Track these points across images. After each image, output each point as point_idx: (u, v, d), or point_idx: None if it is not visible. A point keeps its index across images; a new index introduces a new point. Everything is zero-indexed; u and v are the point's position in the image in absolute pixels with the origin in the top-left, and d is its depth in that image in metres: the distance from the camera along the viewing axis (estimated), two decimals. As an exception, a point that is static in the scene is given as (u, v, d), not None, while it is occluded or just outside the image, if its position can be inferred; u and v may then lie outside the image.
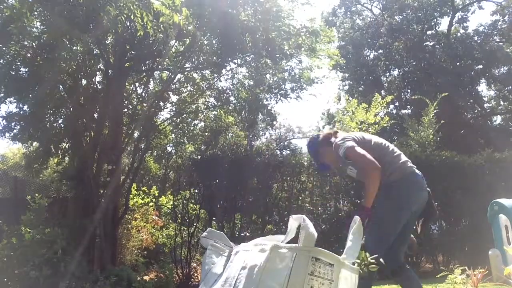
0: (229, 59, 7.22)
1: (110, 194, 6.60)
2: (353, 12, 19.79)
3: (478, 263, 4.81)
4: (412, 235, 2.73)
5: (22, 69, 6.53)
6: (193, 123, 9.82)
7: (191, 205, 7.94)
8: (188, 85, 8.65)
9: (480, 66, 17.20)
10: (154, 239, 8.14)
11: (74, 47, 5.92)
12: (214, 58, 6.97)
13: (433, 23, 18.23)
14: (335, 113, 15.49)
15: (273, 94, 8.63)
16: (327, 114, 18.88)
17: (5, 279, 4.79)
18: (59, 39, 5.43)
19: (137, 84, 8.45)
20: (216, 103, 9.05)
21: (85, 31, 5.53)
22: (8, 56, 6.06)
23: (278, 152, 18.26)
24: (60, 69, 6.15)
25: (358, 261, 2.16)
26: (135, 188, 7.94)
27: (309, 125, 41.01)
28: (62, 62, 5.86)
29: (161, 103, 8.32)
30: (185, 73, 8.27)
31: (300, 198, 8.02)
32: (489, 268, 4.83)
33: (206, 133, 10.66)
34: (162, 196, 8.60)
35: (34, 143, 7.97)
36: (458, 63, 16.91)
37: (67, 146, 7.75)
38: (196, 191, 8.24)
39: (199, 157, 8.88)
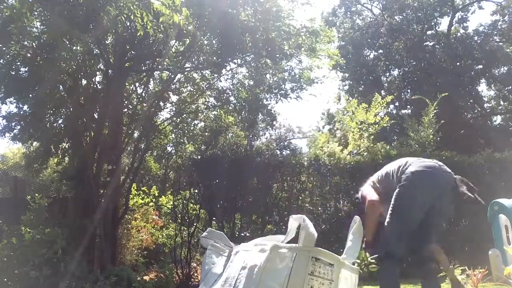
0: (229, 59, 7.22)
1: (110, 194, 6.59)
2: (353, 12, 19.79)
3: (478, 263, 4.81)
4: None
5: (22, 69, 6.53)
6: (193, 123, 9.82)
7: (191, 205, 7.93)
8: (188, 85, 8.65)
9: (480, 66, 17.20)
10: (154, 239, 8.14)
11: (74, 47, 5.92)
12: (214, 58, 6.97)
13: (433, 23, 18.23)
14: (335, 113, 15.51)
15: (273, 94, 8.63)
16: (327, 114, 18.89)
17: (5, 279, 4.79)
18: (59, 39, 5.43)
19: (137, 84, 8.45)
20: (216, 103, 9.05)
21: (85, 31, 5.53)
22: (8, 56, 6.06)
23: (278, 152, 18.32)
24: (60, 69, 6.14)
25: (358, 261, 2.17)
26: (135, 188, 7.94)
27: (309, 125, 41.08)
28: (62, 62, 5.85)
29: (161, 103, 8.32)
30: (185, 73, 8.27)
31: (300, 198, 8.02)
32: (489, 268, 4.83)
33: (206, 133, 10.65)
34: (162, 196, 8.60)
35: (34, 143, 7.97)
36: (458, 63, 16.90)
37: (67, 146, 7.74)
38: (196, 191, 8.24)
39: (199, 157, 8.87)
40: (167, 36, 5.16)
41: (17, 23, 5.05)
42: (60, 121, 7.77)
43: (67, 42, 5.61)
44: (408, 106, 17.94)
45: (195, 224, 7.82)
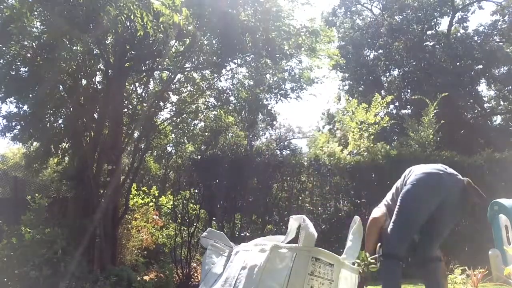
0: (229, 59, 7.22)
1: (110, 194, 6.59)
2: (353, 12, 19.79)
3: (478, 263, 4.81)
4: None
5: (22, 69, 6.53)
6: (193, 123, 9.82)
7: (191, 205, 7.93)
8: (188, 85, 8.65)
9: (480, 66, 17.20)
10: (154, 239, 8.14)
11: (74, 47, 5.91)
12: (214, 58, 6.97)
13: (433, 23, 18.23)
14: (335, 113, 15.51)
15: (273, 94, 8.62)
16: (327, 114, 18.89)
17: (5, 279, 4.79)
18: (59, 39, 5.42)
19: (137, 84, 8.45)
20: (216, 103, 9.05)
21: (85, 31, 5.52)
22: (8, 56, 6.06)
23: (278, 152, 18.31)
24: (60, 69, 6.14)
25: (358, 261, 2.16)
26: (135, 188, 7.94)
27: (309, 125, 41.08)
28: (62, 62, 5.85)
29: (161, 103, 8.32)
30: (185, 73, 8.27)
31: (300, 198, 8.02)
32: (489, 268, 4.83)
33: (206, 133, 10.65)
34: (162, 196, 8.60)
35: (34, 143, 7.97)
36: (458, 63, 16.90)
37: (67, 146, 7.75)
38: (196, 191, 8.24)
39: (199, 157, 8.87)
40: (167, 36, 5.16)
41: (17, 23, 5.04)
42: (60, 121, 7.77)
43: (67, 42, 5.61)
44: (408, 106, 17.94)
45: (195, 224, 7.82)
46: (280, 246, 1.94)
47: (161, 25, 4.19)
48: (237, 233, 7.81)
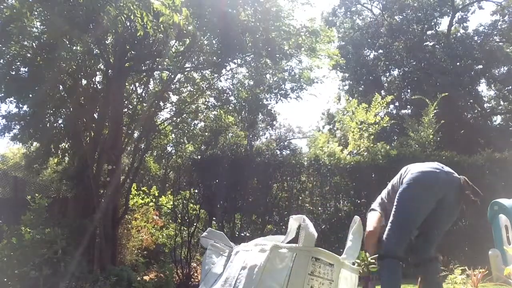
0: (229, 59, 7.21)
1: (110, 194, 6.59)
2: (353, 12, 19.80)
3: (478, 263, 4.81)
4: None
5: (22, 69, 6.54)
6: (193, 123, 9.83)
7: (191, 205, 7.93)
8: (188, 85, 8.65)
9: (480, 66, 17.21)
10: (154, 239, 8.13)
11: (74, 47, 5.92)
12: (214, 58, 6.97)
13: (433, 23, 18.23)
14: (335, 113, 15.51)
15: (273, 94, 8.63)
16: (327, 114, 18.91)
17: (5, 279, 4.79)
18: (59, 39, 5.42)
19: (137, 84, 8.45)
20: (216, 103, 9.06)
21: (85, 31, 5.52)
22: (8, 56, 6.06)
23: (278, 152, 18.31)
24: (60, 69, 6.15)
25: (358, 261, 2.16)
26: (135, 188, 7.94)
27: (309, 125, 41.11)
28: (62, 62, 5.85)
29: (161, 103, 8.32)
30: (185, 73, 8.27)
31: (300, 198, 8.02)
32: (489, 268, 4.83)
33: (206, 133, 10.66)
34: (162, 196, 8.60)
35: (34, 143, 7.97)
36: (458, 63, 16.91)
37: (67, 146, 7.75)
38: (196, 191, 8.24)
39: (199, 157, 8.87)
40: (167, 36, 5.16)
41: (17, 23, 5.05)
42: (60, 121, 7.79)
43: (67, 42, 5.61)
44: (408, 106, 17.95)
45: (195, 224, 7.81)
46: (280, 246, 1.94)
47: (161, 25, 4.19)
48: (237, 233, 7.81)
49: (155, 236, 8.18)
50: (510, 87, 17.40)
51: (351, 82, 18.69)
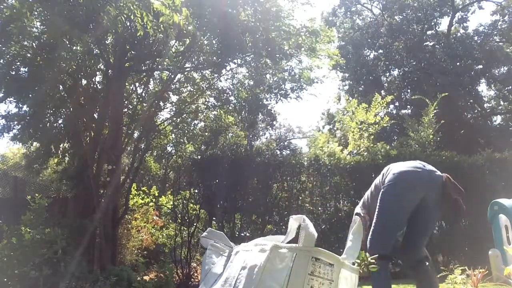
0: (229, 59, 7.22)
1: (110, 194, 6.59)
2: (353, 12, 19.80)
3: (478, 263, 4.81)
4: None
5: (22, 69, 6.54)
6: (193, 123, 9.83)
7: (191, 205, 7.93)
8: (188, 85, 8.65)
9: (480, 66, 17.21)
10: (154, 239, 8.13)
11: (74, 47, 5.92)
12: (214, 58, 6.97)
13: (433, 23, 18.24)
14: (335, 113, 15.52)
15: (273, 94, 8.63)
16: (327, 114, 18.91)
17: (5, 279, 4.79)
18: (59, 39, 5.42)
19: (137, 84, 8.45)
20: (216, 103, 9.06)
21: (85, 31, 5.52)
22: (8, 56, 6.06)
23: (278, 152, 18.32)
24: (60, 69, 6.15)
25: (358, 261, 2.16)
26: (135, 188, 7.94)
27: (309, 125, 41.12)
28: (62, 62, 5.86)
29: (161, 103, 8.32)
30: (185, 73, 8.27)
31: (300, 198, 8.02)
32: (489, 268, 4.83)
33: (206, 133, 10.66)
34: (162, 196, 8.60)
35: (34, 143, 7.97)
36: (458, 63, 16.91)
37: (67, 146, 7.75)
38: (196, 191, 8.23)
39: (199, 157, 8.86)
40: (167, 36, 5.16)
41: (17, 23, 5.05)
42: (60, 121, 7.79)
43: (67, 42, 5.61)
44: (408, 106, 17.95)
45: (195, 224, 7.81)
46: (280, 246, 1.94)
47: (161, 25, 4.19)
48: (237, 233, 7.81)
49: (155, 236, 8.18)
50: (510, 87, 17.40)
51: (351, 82, 18.69)
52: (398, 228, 2.60)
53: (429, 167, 2.66)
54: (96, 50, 6.92)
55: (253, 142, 17.70)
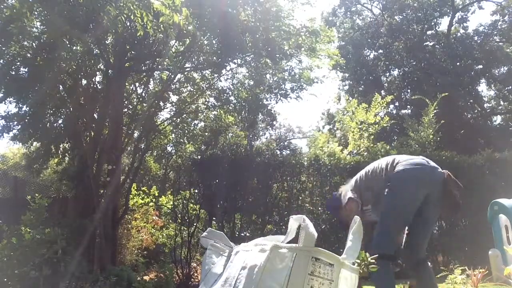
0: (229, 59, 7.22)
1: (110, 194, 6.59)
2: (353, 12, 19.81)
3: (478, 263, 4.81)
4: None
5: (22, 69, 6.55)
6: (193, 123, 9.83)
7: (191, 205, 7.93)
8: (188, 85, 8.65)
9: (480, 66, 17.22)
10: (154, 239, 8.13)
11: (74, 47, 5.92)
12: (214, 58, 6.97)
13: (433, 23, 18.25)
14: (335, 113, 15.51)
15: (273, 94, 8.63)
16: (327, 114, 18.91)
17: (5, 279, 4.79)
18: (59, 39, 5.43)
19: (137, 84, 8.45)
20: (216, 103, 9.06)
21: (85, 31, 5.53)
22: (8, 56, 6.06)
23: (278, 152, 18.33)
24: (60, 69, 6.15)
25: (358, 261, 2.16)
26: (135, 188, 7.94)
27: (309, 125, 41.13)
28: (62, 62, 5.86)
29: (161, 103, 8.33)
30: (185, 73, 8.28)
31: (300, 198, 8.01)
32: (489, 268, 4.82)
33: (206, 133, 10.65)
34: (162, 196, 8.59)
35: (34, 143, 7.97)
36: (458, 63, 16.92)
37: (67, 146, 7.75)
38: (196, 191, 8.23)
39: (199, 157, 8.86)
40: (167, 36, 5.16)
41: (17, 23, 5.04)
42: (60, 121, 7.79)
43: (67, 42, 5.61)
44: (408, 106, 17.96)
45: (195, 224, 7.81)
46: (280, 246, 1.94)
47: (161, 25, 4.19)
48: (237, 233, 7.81)
49: (155, 236, 8.18)
50: (510, 87, 17.41)
51: (351, 82, 18.70)
52: (405, 227, 2.60)
53: (432, 163, 2.67)
54: (96, 50, 6.92)
55: (253, 142, 17.71)
